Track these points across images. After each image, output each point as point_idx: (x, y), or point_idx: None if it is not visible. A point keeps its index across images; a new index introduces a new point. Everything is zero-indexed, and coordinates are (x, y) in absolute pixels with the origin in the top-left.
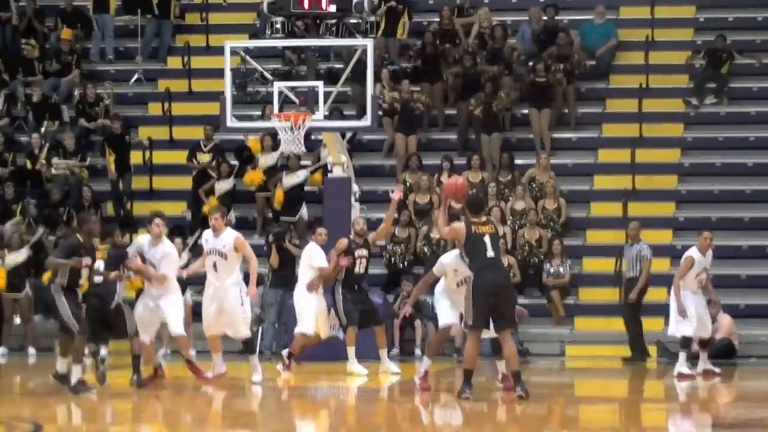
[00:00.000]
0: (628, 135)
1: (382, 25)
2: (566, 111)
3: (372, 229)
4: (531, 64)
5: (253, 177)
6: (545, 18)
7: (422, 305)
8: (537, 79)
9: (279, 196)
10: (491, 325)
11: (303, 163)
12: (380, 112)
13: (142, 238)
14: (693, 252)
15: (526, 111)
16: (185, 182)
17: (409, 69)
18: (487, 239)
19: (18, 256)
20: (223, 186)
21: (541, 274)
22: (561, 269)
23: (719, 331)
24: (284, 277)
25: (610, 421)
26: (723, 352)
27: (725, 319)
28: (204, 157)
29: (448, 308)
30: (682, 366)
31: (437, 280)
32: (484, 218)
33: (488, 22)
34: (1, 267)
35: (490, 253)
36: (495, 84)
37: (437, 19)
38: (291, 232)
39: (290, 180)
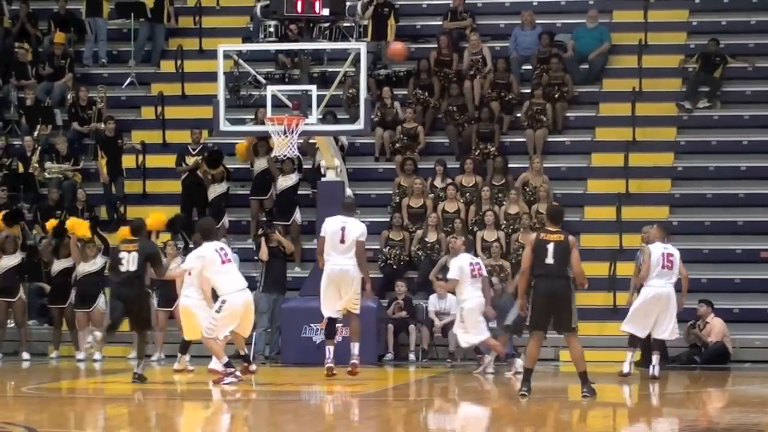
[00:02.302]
0: (621, 139)
1: (370, 29)
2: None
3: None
4: (529, 91)
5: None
6: (540, 42)
7: (416, 310)
8: (534, 107)
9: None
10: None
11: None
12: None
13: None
14: (652, 247)
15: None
16: (178, 186)
17: (402, 73)
18: (550, 246)
19: (12, 260)
20: (216, 189)
21: None
22: None
23: (711, 334)
24: (277, 281)
25: (604, 427)
26: (716, 356)
27: (717, 323)
28: (193, 161)
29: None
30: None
31: None
32: (557, 228)
33: (478, 48)
34: None
35: (550, 261)
36: (491, 114)
37: (429, 23)
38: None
39: (283, 183)
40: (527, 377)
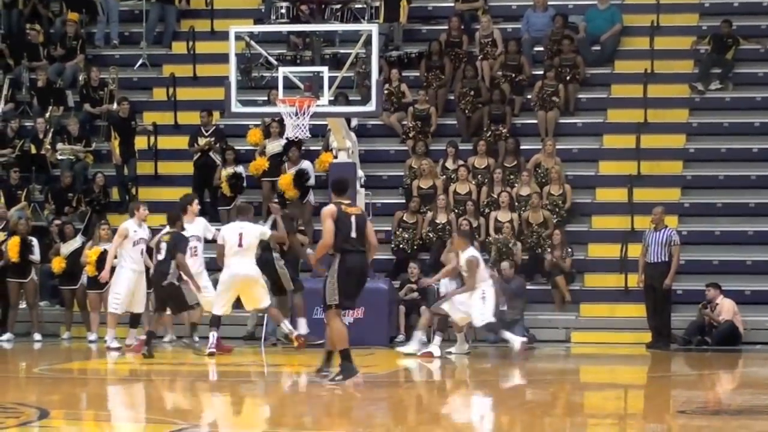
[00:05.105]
0: (633, 120)
1: (383, 10)
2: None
3: (378, 216)
4: (541, 73)
5: (258, 164)
6: (554, 24)
7: (427, 291)
8: (546, 89)
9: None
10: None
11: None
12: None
13: None
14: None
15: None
16: (190, 167)
17: (414, 54)
18: (353, 220)
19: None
20: (229, 171)
21: (543, 261)
22: (564, 255)
23: (721, 314)
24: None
25: (615, 408)
26: (727, 337)
27: (726, 302)
28: (204, 141)
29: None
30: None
31: None
32: (348, 201)
33: (489, 30)
34: None
35: (353, 234)
36: (503, 96)
37: (441, 4)
38: (296, 220)
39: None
40: (329, 358)
